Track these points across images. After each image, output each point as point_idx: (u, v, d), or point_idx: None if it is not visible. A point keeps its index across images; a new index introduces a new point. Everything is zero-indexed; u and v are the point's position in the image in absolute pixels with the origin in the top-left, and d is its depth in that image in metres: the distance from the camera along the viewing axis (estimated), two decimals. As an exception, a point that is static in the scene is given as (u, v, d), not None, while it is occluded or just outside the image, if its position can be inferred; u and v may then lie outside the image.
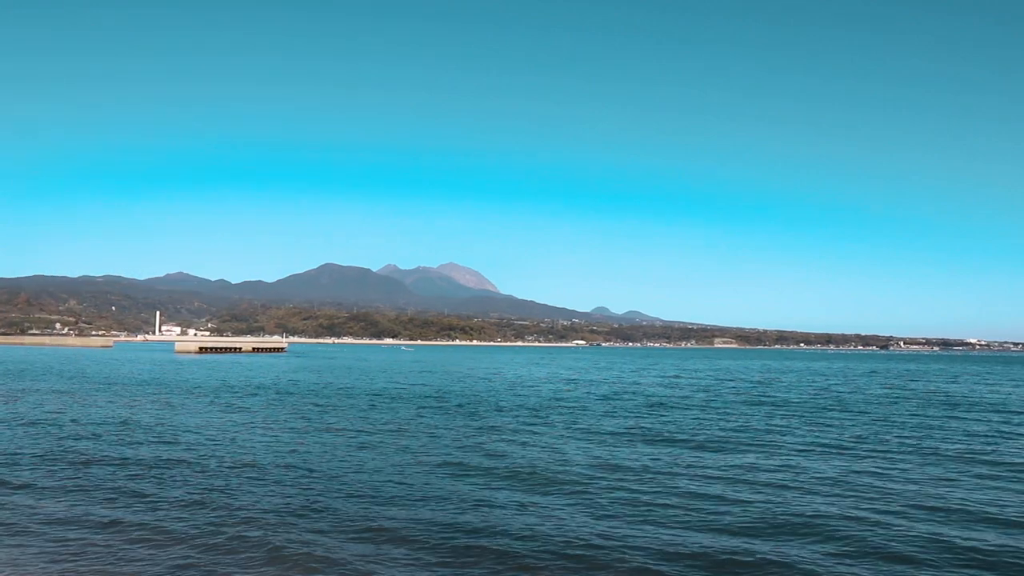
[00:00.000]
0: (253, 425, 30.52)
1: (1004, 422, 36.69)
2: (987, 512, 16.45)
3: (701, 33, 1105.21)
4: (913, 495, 18.17)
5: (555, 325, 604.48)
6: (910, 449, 26.34)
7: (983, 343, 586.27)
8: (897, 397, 53.63)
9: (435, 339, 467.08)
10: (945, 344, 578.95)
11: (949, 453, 25.49)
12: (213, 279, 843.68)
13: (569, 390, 55.41)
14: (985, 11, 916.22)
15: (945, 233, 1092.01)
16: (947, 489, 19.04)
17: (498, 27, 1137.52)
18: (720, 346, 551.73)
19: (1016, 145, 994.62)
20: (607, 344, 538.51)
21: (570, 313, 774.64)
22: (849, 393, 57.41)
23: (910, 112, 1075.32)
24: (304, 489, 17.86)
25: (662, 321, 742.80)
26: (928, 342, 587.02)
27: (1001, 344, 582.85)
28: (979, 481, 20.35)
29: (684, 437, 28.48)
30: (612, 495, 17.78)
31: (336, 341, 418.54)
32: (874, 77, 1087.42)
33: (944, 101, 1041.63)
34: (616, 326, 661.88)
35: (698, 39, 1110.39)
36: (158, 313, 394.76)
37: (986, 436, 30.70)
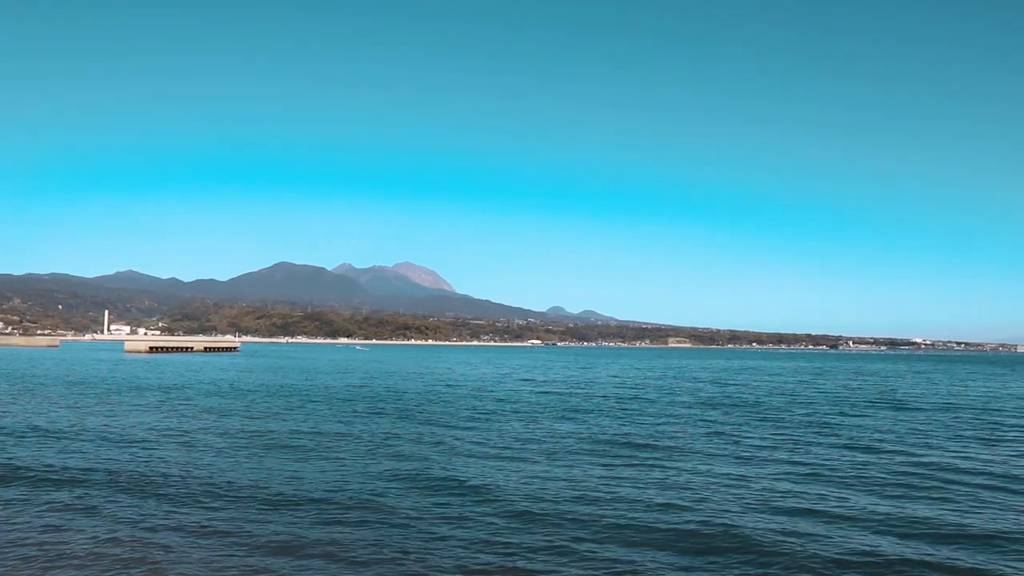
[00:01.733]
0: (180, 427, 31.40)
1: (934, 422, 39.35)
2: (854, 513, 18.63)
3: (646, 25, 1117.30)
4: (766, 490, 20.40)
5: (511, 325, 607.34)
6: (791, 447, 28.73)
7: (928, 342, 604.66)
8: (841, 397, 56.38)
9: (390, 338, 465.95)
10: (892, 343, 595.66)
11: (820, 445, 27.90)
12: (164, 277, 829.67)
13: (526, 390, 56.23)
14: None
15: (893, 236, 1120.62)
16: (748, 479, 21.28)
17: (450, 23, 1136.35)
18: (674, 345, 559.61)
19: (960, 148, 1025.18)
20: (562, 344, 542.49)
21: (526, 313, 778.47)
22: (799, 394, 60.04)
23: (858, 112, 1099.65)
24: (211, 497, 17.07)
25: (617, 321, 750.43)
26: (876, 341, 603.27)
27: (945, 344, 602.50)
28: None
29: (617, 436, 30.29)
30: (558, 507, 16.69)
31: (290, 341, 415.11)
32: (830, 74, 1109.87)
33: (891, 100, 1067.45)
34: (571, 326, 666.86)
35: (645, 31, 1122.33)
36: (107, 312, 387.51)
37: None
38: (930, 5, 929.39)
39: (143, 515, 15.11)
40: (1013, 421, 37.88)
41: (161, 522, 14.60)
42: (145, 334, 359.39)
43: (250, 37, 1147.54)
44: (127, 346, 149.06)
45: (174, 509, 15.71)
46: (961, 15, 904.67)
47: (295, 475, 19.67)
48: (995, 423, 36.65)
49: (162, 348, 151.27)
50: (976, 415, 40.81)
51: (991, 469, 22.57)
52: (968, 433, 32.05)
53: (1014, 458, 25.00)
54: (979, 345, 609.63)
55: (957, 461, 23.97)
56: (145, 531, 14.00)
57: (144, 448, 23.88)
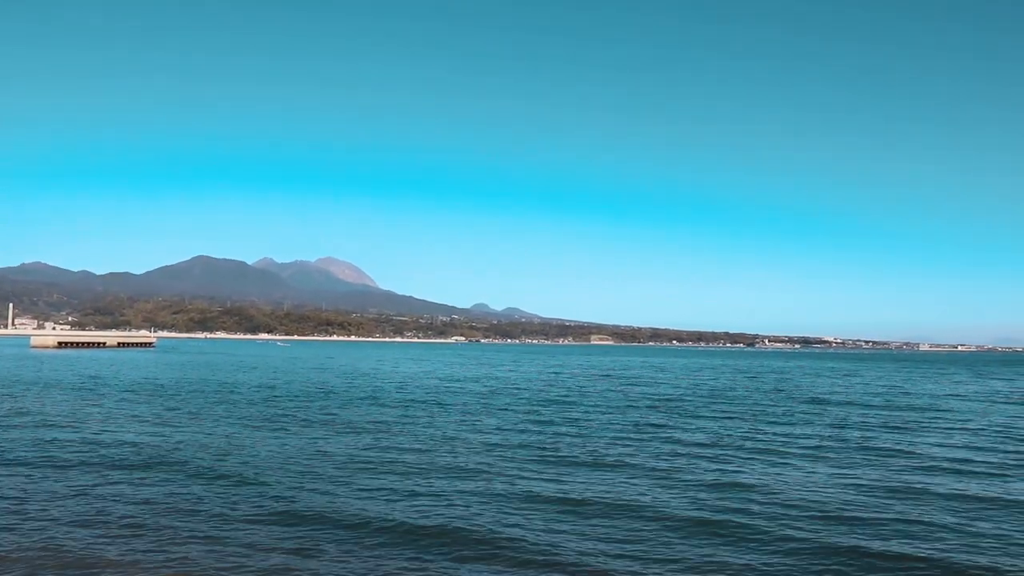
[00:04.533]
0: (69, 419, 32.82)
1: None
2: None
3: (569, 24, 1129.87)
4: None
5: (434, 321, 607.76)
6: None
7: (839, 341, 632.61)
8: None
9: (312, 334, 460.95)
10: (805, 342, 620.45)
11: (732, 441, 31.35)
12: (75, 270, 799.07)
13: (453, 387, 57.68)
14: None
15: (805, 237, 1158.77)
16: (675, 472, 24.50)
17: (354, 16, 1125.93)
18: (597, 343, 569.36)
19: (870, 146, 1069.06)
20: (486, 340, 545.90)
21: (449, 309, 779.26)
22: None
23: (770, 111, 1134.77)
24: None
25: (540, 318, 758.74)
26: (790, 340, 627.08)
27: (855, 342, 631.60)
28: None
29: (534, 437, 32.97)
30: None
31: (208, 336, 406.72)
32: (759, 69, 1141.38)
33: (811, 98, 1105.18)
34: (495, 322, 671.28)
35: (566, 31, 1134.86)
36: (11, 305, 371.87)
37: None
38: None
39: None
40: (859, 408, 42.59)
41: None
42: (53, 329, 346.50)
43: (181, 32, 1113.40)
44: (33, 340, 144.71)
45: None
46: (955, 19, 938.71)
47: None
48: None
49: (72, 343, 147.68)
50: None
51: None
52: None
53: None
54: (885, 343, 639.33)
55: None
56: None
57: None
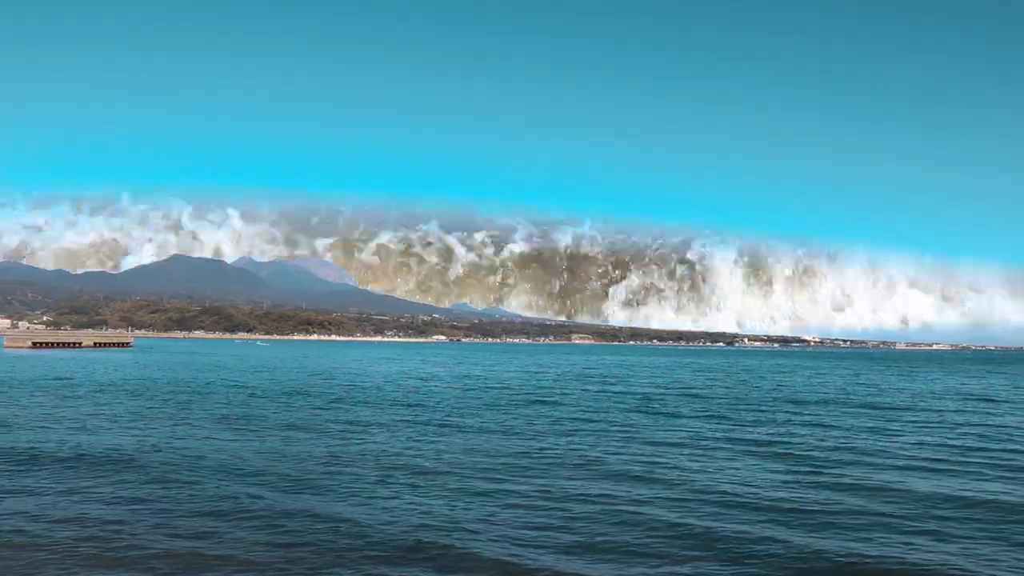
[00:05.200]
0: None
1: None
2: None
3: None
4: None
5: (415, 320, 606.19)
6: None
7: (817, 340, 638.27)
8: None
9: (292, 334, 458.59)
10: (784, 341, 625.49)
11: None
12: (50, 268, 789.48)
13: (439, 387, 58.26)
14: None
15: (781, 237, 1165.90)
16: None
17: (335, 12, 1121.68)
18: (577, 342, 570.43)
19: (847, 141, 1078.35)
20: (467, 339, 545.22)
21: (430, 308, 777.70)
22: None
23: (756, 113, 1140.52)
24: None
25: (521, 317, 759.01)
26: (769, 339, 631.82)
27: (832, 341, 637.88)
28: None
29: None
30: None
31: (187, 335, 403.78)
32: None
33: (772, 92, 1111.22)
34: (476, 321, 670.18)
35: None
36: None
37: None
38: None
39: None
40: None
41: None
42: (28, 328, 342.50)
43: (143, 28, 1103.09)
44: (7, 341, 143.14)
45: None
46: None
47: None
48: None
49: (47, 343, 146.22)
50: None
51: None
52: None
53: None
54: (863, 343, 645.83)
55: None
56: None
57: None
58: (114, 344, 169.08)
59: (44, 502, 16.94)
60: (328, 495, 18.17)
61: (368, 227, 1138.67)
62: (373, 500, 17.70)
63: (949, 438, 30.80)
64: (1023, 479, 21.74)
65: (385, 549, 14.07)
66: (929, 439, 30.31)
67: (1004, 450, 27.61)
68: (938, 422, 36.99)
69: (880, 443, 28.73)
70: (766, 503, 17.95)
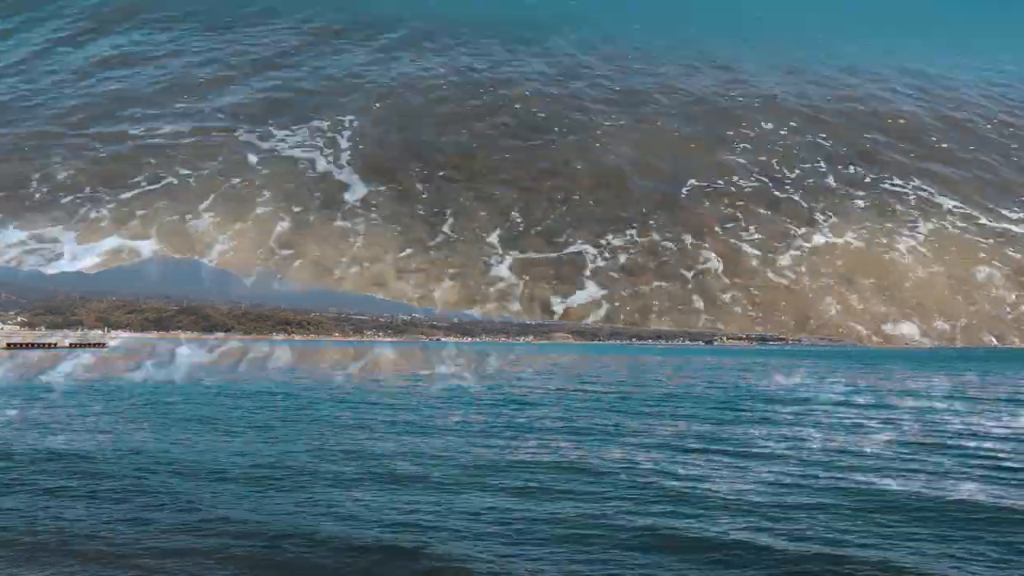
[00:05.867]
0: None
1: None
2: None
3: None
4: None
5: (394, 320, 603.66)
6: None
7: (795, 339, 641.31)
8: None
9: (271, 334, 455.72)
10: (763, 340, 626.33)
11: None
12: (24, 269, 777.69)
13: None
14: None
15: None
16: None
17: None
18: (559, 341, 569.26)
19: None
20: (447, 339, 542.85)
21: (409, 308, 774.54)
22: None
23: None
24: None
25: (501, 317, 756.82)
26: (748, 338, 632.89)
27: (810, 339, 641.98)
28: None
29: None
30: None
31: (164, 336, 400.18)
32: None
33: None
34: (456, 321, 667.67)
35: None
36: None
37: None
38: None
39: None
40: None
41: None
42: (2, 329, 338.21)
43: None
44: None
45: None
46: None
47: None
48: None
49: (22, 344, 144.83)
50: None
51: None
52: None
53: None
54: (840, 340, 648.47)
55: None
56: None
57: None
58: (91, 345, 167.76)
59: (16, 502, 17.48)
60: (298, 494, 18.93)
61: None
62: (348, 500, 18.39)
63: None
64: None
65: (362, 551, 14.22)
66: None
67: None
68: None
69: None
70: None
